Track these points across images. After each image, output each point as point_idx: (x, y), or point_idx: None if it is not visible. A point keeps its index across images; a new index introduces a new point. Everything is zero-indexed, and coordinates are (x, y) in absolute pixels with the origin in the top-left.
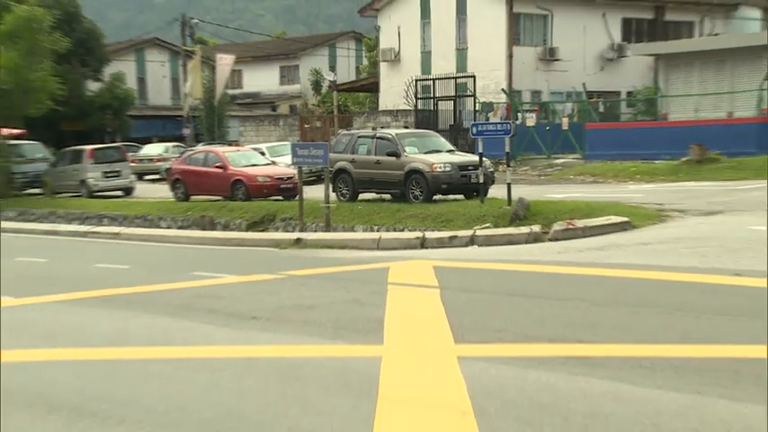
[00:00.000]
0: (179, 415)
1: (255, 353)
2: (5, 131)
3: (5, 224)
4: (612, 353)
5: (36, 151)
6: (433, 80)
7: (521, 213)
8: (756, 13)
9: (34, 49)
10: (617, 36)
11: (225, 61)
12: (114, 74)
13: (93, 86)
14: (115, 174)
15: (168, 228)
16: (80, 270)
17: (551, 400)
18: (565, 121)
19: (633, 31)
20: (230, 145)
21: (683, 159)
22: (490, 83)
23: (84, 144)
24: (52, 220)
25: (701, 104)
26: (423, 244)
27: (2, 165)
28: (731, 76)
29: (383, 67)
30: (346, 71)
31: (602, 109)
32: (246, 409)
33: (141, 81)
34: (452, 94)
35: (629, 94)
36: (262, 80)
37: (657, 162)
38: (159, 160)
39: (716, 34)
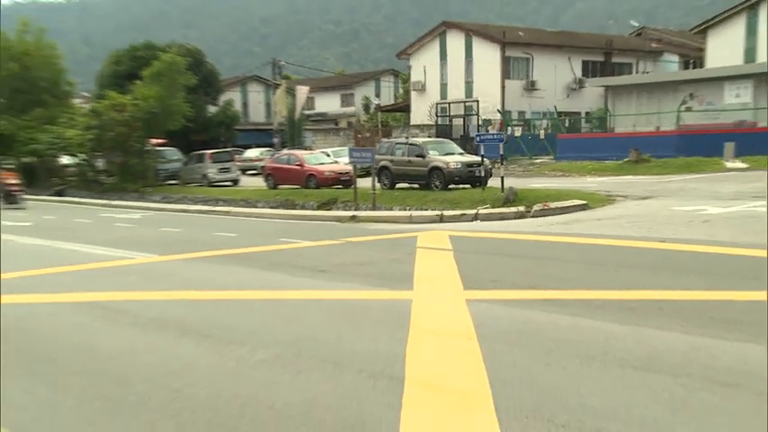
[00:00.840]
0: (271, 337)
1: (323, 296)
2: (154, 141)
3: (153, 205)
4: (574, 296)
5: (173, 154)
6: (449, 104)
7: (510, 198)
8: (675, 58)
9: (173, 84)
10: (578, 72)
11: (302, 91)
12: (226, 100)
13: (211, 109)
14: (226, 170)
15: (263, 207)
16: (204, 237)
17: (531, 329)
18: (542, 132)
19: (590, 70)
20: (305, 149)
21: (625, 160)
22: (489, 105)
23: (205, 149)
24: (184, 202)
25: (638, 121)
26: (441, 219)
27: (151, 164)
28: (658, 102)
29: (413, 94)
30: (387, 97)
31: (567, 124)
32: (317, 334)
33: (245, 105)
34: (462, 113)
35: (587, 113)
36: (327, 104)
37: (607, 162)
38: (256, 160)
39: (647, 72)
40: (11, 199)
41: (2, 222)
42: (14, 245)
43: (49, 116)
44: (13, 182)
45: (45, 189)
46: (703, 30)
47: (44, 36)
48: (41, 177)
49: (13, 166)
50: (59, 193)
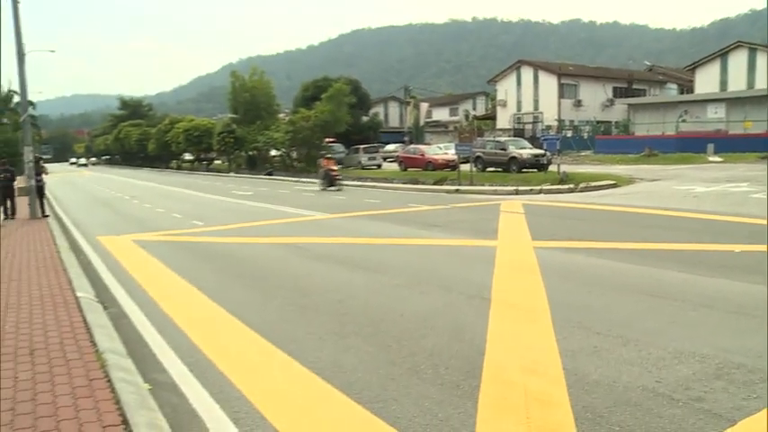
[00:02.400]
0: (402, 269)
1: (436, 242)
2: (327, 139)
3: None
4: (606, 246)
5: (339, 148)
6: (522, 114)
7: (564, 178)
8: (674, 86)
9: (339, 102)
10: (610, 94)
11: (423, 106)
12: (374, 113)
13: (364, 119)
14: (373, 158)
15: (396, 183)
16: (357, 202)
17: (577, 268)
18: (585, 134)
19: (618, 93)
20: (425, 145)
21: (641, 154)
22: (549, 116)
23: (360, 145)
24: (345, 179)
25: (650, 128)
26: (516, 192)
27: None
28: (663, 115)
29: (498, 108)
30: (480, 110)
31: (602, 129)
32: (432, 268)
33: (385, 116)
34: (531, 121)
35: (616, 122)
36: (440, 114)
37: (629, 155)
38: (393, 152)
39: (656, 95)
40: (333, 183)
41: (239, 191)
42: (244, 206)
43: (264, 125)
44: (335, 168)
45: (260, 171)
46: (693, 68)
47: (263, 76)
48: (259, 164)
49: (331, 156)
50: (269, 174)
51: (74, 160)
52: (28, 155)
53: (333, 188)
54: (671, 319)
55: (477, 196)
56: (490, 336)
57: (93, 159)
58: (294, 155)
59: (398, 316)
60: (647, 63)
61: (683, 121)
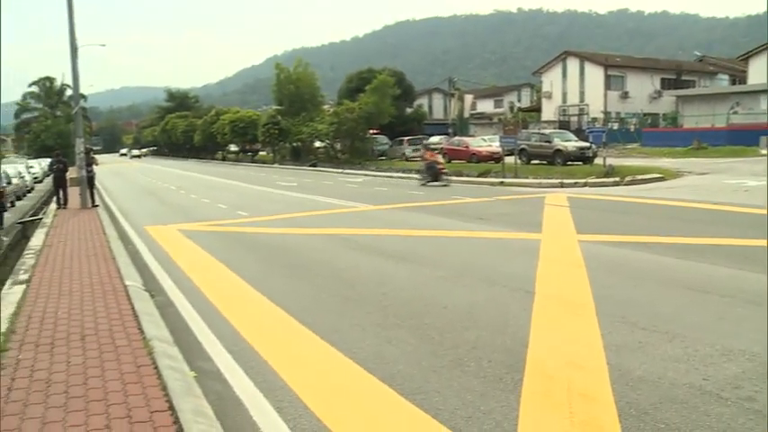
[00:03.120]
0: (445, 261)
1: (481, 235)
2: (371, 131)
3: (370, 173)
4: (652, 240)
5: (383, 140)
6: (568, 107)
7: (609, 171)
8: (726, 77)
9: (384, 94)
10: (657, 86)
11: (468, 98)
12: (418, 104)
13: (408, 110)
14: (418, 150)
15: (462, 175)
16: (400, 194)
17: (622, 262)
18: (632, 127)
19: (666, 84)
20: (470, 137)
21: (689, 147)
22: (595, 108)
23: (404, 137)
24: (389, 171)
25: (699, 120)
26: (561, 185)
27: (369, 146)
28: (713, 107)
29: (543, 100)
30: (525, 102)
31: (650, 121)
32: (476, 260)
33: (430, 108)
34: (576, 113)
35: (663, 114)
36: (485, 106)
37: (676, 148)
38: (438, 144)
39: (706, 86)
40: (438, 177)
41: (283, 182)
42: (288, 197)
43: (309, 117)
44: (441, 162)
45: (305, 162)
46: (746, 58)
47: (308, 67)
48: (303, 155)
49: (434, 147)
50: (313, 165)
51: (124, 151)
52: (79, 146)
53: (437, 183)
54: (719, 315)
55: (522, 189)
56: (533, 329)
57: (144, 150)
58: (338, 146)
59: (442, 308)
60: (698, 53)
61: (735, 112)
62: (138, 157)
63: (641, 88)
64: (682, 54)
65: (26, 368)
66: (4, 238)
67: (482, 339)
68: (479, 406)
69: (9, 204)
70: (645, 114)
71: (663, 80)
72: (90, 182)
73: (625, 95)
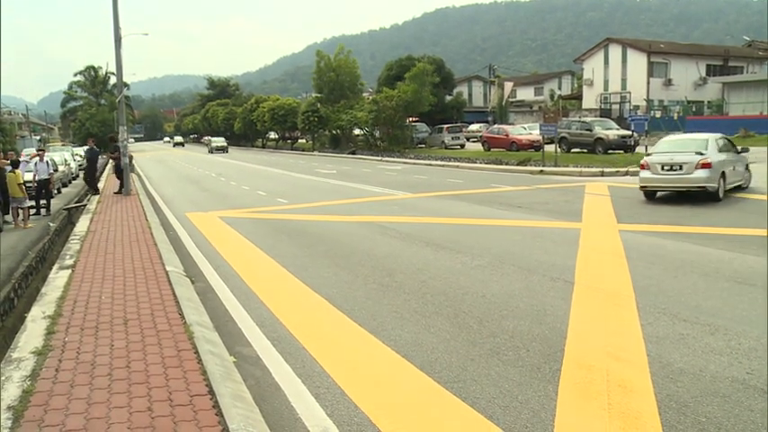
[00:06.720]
0: (484, 250)
1: (519, 223)
2: (410, 119)
3: (409, 161)
4: (694, 231)
5: (423, 128)
6: (610, 94)
7: None
8: None
9: (423, 82)
10: (703, 73)
11: (507, 86)
12: (458, 92)
13: (447, 98)
14: (457, 138)
15: (480, 163)
16: (440, 182)
17: (664, 252)
18: (675, 115)
19: (712, 70)
20: (509, 125)
21: (736, 135)
22: (637, 95)
23: (443, 124)
24: (429, 159)
25: (746, 108)
26: (602, 174)
27: (408, 134)
28: (762, 94)
29: (584, 88)
30: (566, 90)
31: (694, 109)
32: (515, 249)
33: (469, 95)
34: (618, 101)
35: (708, 102)
36: (525, 94)
37: None
38: (477, 132)
39: (755, 72)
40: None
41: (322, 170)
42: (327, 185)
43: (348, 104)
44: None
45: (344, 150)
46: None
47: (349, 55)
48: (342, 143)
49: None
50: (352, 153)
51: (167, 139)
52: (122, 134)
53: None
54: (764, 308)
55: (562, 177)
56: (572, 319)
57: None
58: (377, 134)
59: (480, 297)
60: (746, 38)
61: None
62: (182, 144)
63: (686, 75)
64: (729, 39)
65: (72, 350)
66: (51, 224)
67: (520, 328)
68: (517, 395)
69: (56, 191)
70: (689, 102)
71: (708, 66)
72: (117, 170)
73: (668, 83)
